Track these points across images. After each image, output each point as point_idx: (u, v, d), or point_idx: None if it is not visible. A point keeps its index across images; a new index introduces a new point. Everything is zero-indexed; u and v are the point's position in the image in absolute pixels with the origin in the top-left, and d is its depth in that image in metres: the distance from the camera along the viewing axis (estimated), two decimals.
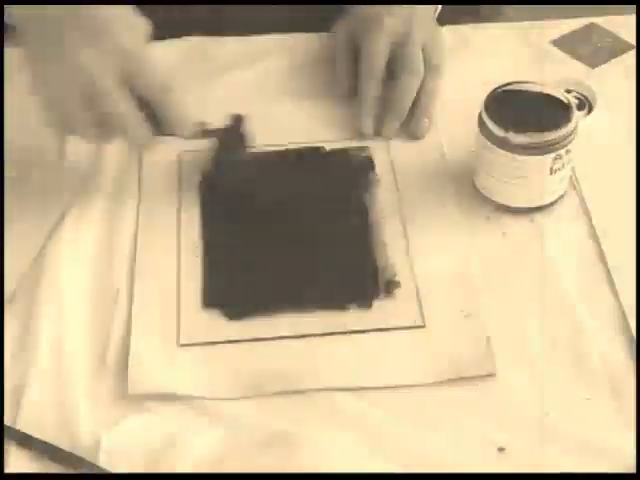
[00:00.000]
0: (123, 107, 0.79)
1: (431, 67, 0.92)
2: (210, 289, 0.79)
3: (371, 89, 0.91)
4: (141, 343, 0.75)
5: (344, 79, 0.95)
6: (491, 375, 0.73)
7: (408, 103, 0.90)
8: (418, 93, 0.91)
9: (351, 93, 0.93)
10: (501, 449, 0.69)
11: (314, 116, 0.93)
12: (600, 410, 0.71)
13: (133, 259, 0.81)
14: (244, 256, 0.82)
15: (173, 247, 0.82)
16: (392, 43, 0.92)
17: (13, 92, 0.90)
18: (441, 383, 0.73)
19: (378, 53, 0.91)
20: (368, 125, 0.91)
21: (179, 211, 0.85)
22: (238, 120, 0.86)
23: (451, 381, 0.73)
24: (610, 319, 0.76)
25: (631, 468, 0.67)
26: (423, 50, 0.92)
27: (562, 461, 0.68)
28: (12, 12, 0.82)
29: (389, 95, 0.91)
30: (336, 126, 0.93)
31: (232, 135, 0.86)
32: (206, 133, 0.85)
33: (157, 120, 0.81)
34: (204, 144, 0.86)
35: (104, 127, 0.81)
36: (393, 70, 0.91)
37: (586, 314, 0.77)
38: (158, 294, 0.79)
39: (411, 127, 0.91)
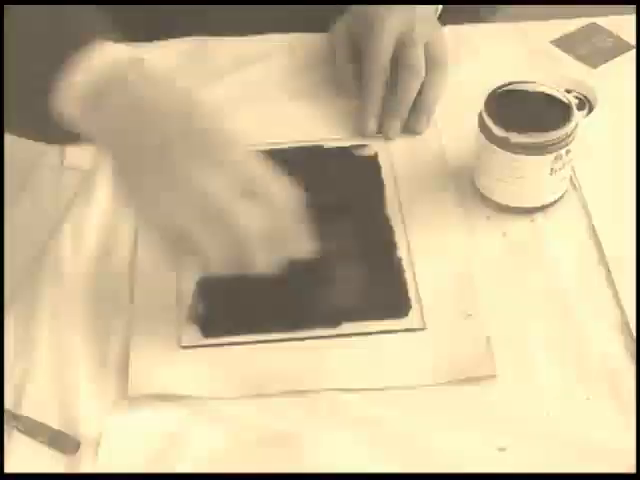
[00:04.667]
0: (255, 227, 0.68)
1: (434, 65, 0.92)
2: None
3: (375, 89, 0.91)
4: (142, 344, 0.75)
5: (348, 79, 0.95)
6: (491, 375, 0.73)
7: (408, 104, 0.90)
8: (420, 90, 0.91)
9: (356, 93, 0.93)
10: (501, 449, 0.69)
11: (314, 115, 0.93)
12: (600, 410, 0.71)
13: (133, 259, 0.81)
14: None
15: None
16: (394, 42, 0.92)
17: None
18: (441, 384, 0.73)
19: (382, 52, 0.91)
20: (372, 125, 0.91)
21: None
22: None
23: (451, 382, 0.73)
24: (610, 319, 0.76)
25: (631, 468, 0.68)
26: (425, 49, 0.92)
27: (562, 461, 0.68)
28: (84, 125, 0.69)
29: (389, 95, 0.91)
30: (336, 125, 0.92)
31: None
32: None
33: None
34: None
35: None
36: (394, 70, 0.91)
37: (586, 314, 0.77)
38: (158, 294, 0.78)
39: (410, 122, 0.91)
